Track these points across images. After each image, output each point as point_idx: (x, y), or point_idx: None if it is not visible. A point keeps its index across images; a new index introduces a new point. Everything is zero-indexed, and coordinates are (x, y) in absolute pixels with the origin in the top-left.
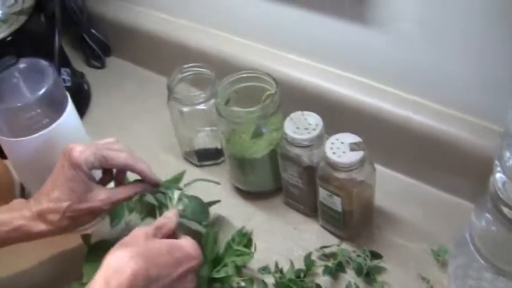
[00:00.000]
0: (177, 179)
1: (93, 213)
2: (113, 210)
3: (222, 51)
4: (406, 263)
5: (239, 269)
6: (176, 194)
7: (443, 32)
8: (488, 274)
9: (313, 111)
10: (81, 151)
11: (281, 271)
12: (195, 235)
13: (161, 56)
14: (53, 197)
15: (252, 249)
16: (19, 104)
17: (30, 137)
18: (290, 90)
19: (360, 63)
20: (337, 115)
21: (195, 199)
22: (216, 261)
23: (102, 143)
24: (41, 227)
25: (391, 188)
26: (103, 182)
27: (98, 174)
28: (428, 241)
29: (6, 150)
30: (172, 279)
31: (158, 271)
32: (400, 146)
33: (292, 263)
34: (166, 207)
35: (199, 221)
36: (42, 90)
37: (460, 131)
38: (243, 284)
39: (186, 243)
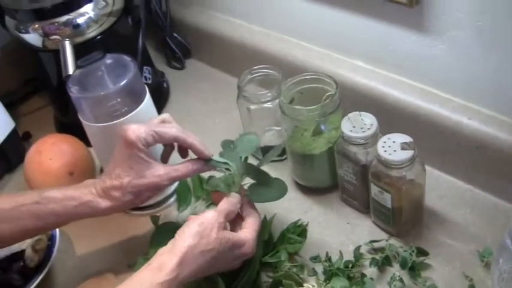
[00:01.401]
0: None
1: (154, 189)
2: (181, 197)
3: (290, 54)
4: (451, 262)
5: (291, 256)
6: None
7: (500, 40)
8: None
9: (371, 113)
10: (134, 130)
11: (330, 260)
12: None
13: (236, 59)
14: (114, 175)
15: (305, 239)
16: (102, 93)
17: (110, 123)
18: (350, 92)
19: (416, 70)
20: (393, 118)
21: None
22: (270, 247)
23: (156, 120)
24: (107, 203)
25: (444, 191)
26: (165, 154)
27: (161, 148)
28: (476, 243)
29: (89, 135)
30: (222, 267)
31: (217, 265)
32: (454, 151)
33: (341, 253)
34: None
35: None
36: (123, 82)
37: None
38: (294, 269)
39: (247, 242)
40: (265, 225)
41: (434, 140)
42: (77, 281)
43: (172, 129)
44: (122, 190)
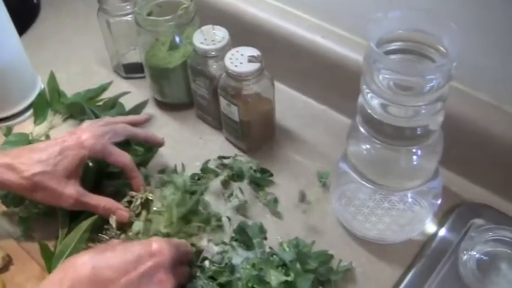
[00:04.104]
0: (104, 88)
1: (54, 197)
2: (37, 110)
3: None
4: (296, 178)
5: (138, 168)
6: None
7: None
8: (376, 196)
9: (228, 30)
10: (92, 136)
11: (175, 172)
12: None
13: None
14: (36, 156)
15: (154, 153)
16: None
17: None
18: (209, 9)
19: None
20: (250, 36)
21: None
22: None
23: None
24: (5, 176)
25: (300, 111)
26: None
27: None
28: (323, 162)
29: None
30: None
31: (111, 272)
32: (310, 71)
33: (183, 165)
34: None
35: None
36: None
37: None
38: None
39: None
40: None
41: (291, 59)
42: None
43: (125, 157)
44: (30, 173)
